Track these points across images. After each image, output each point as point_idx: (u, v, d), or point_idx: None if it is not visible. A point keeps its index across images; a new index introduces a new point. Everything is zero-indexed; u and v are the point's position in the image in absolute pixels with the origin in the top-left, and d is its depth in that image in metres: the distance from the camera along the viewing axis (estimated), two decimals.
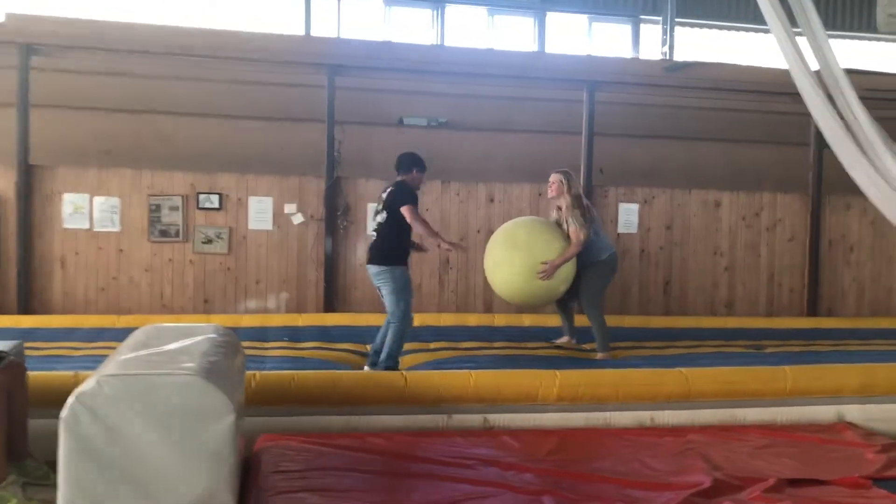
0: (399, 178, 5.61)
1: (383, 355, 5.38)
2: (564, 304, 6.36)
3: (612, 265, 6.12)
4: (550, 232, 5.95)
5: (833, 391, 4.97)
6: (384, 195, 5.59)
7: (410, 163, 5.62)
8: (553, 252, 5.79)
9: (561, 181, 5.97)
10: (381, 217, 5.54)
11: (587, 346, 6.23)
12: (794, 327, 7.67)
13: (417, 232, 5.56)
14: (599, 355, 5.93)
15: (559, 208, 6.03)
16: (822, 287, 8.61)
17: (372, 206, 7.69)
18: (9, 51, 6.97)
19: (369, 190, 7.67)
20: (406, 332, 5.47)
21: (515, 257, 5.87)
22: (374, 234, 5.70)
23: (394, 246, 5.47)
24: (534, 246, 5.84)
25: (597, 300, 6.04)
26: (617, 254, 6.27)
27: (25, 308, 7.03)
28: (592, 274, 5.97)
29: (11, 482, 3.45)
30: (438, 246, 5.91)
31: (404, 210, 5.39)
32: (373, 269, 5.50)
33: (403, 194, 5.47)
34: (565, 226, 5.93)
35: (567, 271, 5.88)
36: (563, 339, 6.41)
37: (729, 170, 9.10)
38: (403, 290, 5.42)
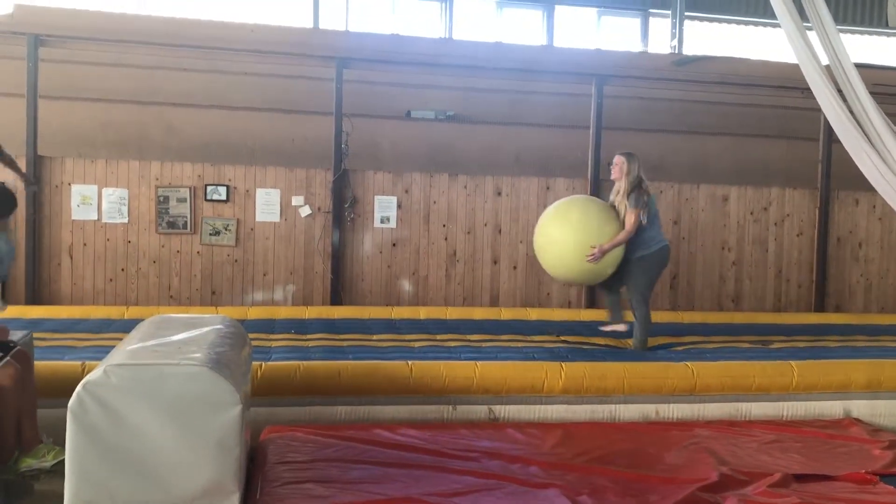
0: None
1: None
2: (611, 288, 6.15)
3: (661, 258, 5.93)
4: (603, 214, 5.82)
5: (840, 386, 4.96)
6: None
7: None
8: (604, 235, 5.66)
9: (624, 162, 5.86)
10: None
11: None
12: (801, 323, 7.64)
13: None
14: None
15: (618, 192, 5.89)
16: (830, 283, 8.57)
17: (379, 199, 7.72)
18: (18, 41, 6.99)
19: (377, 182, 7.67)
20: None
21: (568, 236, 5.75)
22: None
23: None
24: (587, 226, 5.73)
25: (644, 295, 5.88)
26: (669, 247, 6.07)
27: (34, 299, 7.04)
28: (640, 267, 5.81)
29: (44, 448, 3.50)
30: None
31: None
32: None
33: None
34: (622, 210, 5.79)
35: (615, 255, 5.76)
36: (616, 326, 6.17)
37: (737, 164, 9.05)
38: None
